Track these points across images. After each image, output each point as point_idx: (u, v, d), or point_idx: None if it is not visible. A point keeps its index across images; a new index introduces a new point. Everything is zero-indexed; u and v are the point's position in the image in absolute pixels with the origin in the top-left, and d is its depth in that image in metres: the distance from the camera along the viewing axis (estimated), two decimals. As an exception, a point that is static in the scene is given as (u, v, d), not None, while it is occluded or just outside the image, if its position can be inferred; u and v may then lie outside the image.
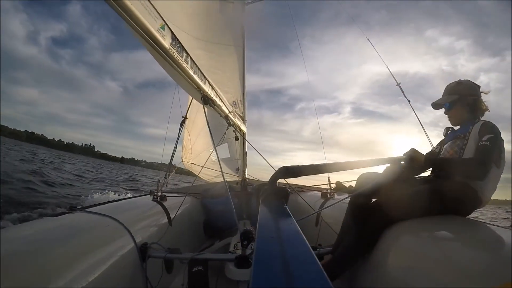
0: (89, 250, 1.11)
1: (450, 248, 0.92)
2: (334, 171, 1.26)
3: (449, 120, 1.53)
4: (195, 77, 1.55)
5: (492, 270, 0.75)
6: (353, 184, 1.83)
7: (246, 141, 3.36)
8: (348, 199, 1.53)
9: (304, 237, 0.45)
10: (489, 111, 1.42)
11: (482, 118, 1.41)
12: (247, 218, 2.80)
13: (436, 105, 1.54)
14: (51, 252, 0.97)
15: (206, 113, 1.82)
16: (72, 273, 0.96)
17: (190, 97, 2.61)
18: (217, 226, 2.76)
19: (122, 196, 4.99)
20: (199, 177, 3.95)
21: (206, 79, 1.72)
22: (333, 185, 2.63)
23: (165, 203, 2.01)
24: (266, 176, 3.80)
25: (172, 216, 1.92)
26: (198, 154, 3.71)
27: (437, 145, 1.62)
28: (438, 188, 1.22)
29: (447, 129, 1.56)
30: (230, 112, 2.34)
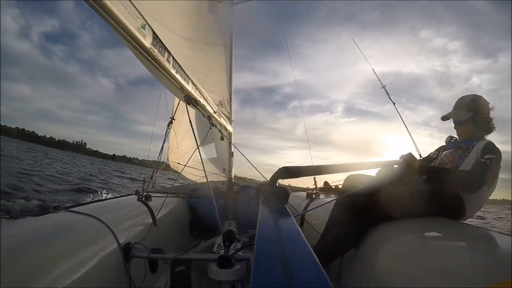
0: (72, 250, 1.11)
1: (436, 249, 0.94)
2: (333, 173, 1.27)
3: (457, 135, 1.53)
4: (178, 76, 1.56)
5: (478, 271, 0.76)
6: (340, 184, 1.86)
7: (230, 141, 3.37)
8: (333, 202, 1.54)
9: (304, 237, 0.44)
10: (495, 130, 1.44)
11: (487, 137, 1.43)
12: (232, 218, 2.80)
13: (447, 118, 1.51)
14: (34, 252, 0.97)
15: (189, 113, 1.83)
16: (54, 273, 0.96)
17: (176, 97, 2.60)
18: (202, 226, 2.76)
19: (107, 196, 4.89)
20: (186, 177, 3.92)
21: (189, 78, 1.72)
22: (321, 185, 2.69)
23: (150, 203, 2.00)
24: (254, 176, 3.82)
25: (156, 216, 1.91)
26: (185, 154, 3.69)
27: (435, 150, 1.64)
28: (429, 191, 1.24)
29: (450, 137, 1.58)
30: (215, 112, 2.35)
